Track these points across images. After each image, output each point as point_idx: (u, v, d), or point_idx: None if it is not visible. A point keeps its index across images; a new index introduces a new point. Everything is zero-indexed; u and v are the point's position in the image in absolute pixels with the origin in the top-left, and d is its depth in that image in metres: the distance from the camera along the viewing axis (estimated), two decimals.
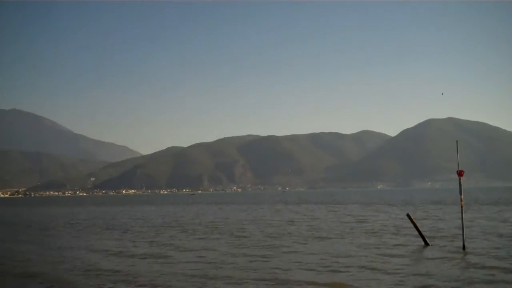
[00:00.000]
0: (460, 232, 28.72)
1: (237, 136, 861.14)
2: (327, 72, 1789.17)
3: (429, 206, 71.18)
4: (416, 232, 25.91)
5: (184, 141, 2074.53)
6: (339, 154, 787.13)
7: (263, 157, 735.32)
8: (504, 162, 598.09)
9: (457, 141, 22.20)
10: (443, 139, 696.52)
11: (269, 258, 21.67)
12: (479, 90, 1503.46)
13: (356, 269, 18.29)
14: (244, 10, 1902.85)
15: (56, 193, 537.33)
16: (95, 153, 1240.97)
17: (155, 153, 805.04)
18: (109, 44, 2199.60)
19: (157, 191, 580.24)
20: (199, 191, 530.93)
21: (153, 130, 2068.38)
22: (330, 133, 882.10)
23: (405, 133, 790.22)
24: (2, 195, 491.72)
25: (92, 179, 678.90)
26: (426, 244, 24.61)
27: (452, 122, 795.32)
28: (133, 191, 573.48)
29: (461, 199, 22.35)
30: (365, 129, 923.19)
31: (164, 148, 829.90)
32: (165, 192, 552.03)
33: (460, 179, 21.93)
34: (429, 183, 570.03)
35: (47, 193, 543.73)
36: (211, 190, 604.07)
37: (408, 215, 26.32)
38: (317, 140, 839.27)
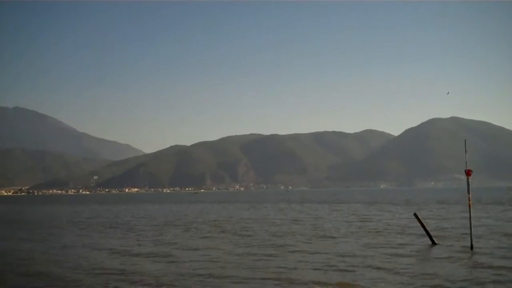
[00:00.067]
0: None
1: (240, 135, 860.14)
2: (330, 72, 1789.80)
3: (433, 205, 70.95)
4: (422, 232, 25.72)
5: (187, 139, 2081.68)
6: (342, 153, 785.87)
7: (266, 156, 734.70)
8: (508, 162, 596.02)
9: (465, 141, 21.97)
10: (447, 139, 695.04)
11: (275, 257, 21.52)
12: (482, 90, 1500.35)
13: (363, 269, 18.11)
14: (246, 9, 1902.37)
15: (59, 192, 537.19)
16: (98, 151, 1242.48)
17: (158, 151, 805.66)
18: (113, 42, 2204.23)
19: (160, 189, 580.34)
20: (202, 190, 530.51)
21: (156, 128, 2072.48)
22: (333, 132, 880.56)
23: (409, 133, 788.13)
24: (5, 193, 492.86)
25: (95, 177, 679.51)
26: (434, 243, 24.41)
27: (455, 121, 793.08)
28: (136, 189, 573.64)
29: (469, 198, 22.13)
30: (368, 128, 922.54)
31: (167, 146, 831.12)
32: (168, 191, 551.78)
33: (468, 179, 21.73)
34: (432, 183, 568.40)
35: (50, 191, 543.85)
36: (214, 189, 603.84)
37: (415, 215, 26.13)
38: (320, 139, 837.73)
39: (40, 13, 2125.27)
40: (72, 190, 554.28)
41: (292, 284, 16.01)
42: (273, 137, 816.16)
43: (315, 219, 46.23)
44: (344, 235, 30.02)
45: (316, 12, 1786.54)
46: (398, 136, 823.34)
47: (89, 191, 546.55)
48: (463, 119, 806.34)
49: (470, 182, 21.89)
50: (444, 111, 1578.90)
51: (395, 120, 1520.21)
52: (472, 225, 22.66)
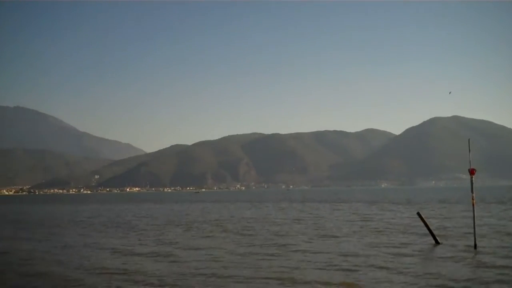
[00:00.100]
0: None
1: (241, 134, 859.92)
2: (332, 71, 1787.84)
3: (435, 204, 70.86)
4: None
5: (188, 139, 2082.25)
6: (343, 152, 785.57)
7: (267, 155, 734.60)
8: (510, 161, 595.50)
9: (469, 140, 21.90)
10: (448, 138, 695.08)
11: (277, 257, 21.42)
12: (484, 89, 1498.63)
13: (366, 269, 18.00)
14: (247, 9, 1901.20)
15: (60, 191, 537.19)
16: (99, 150, 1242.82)
17: (159, 151, 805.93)
18: (113, 42, 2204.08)
19: (161, 189, 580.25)
20: (203, 189, 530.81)
21: (157, 128, 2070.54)
22: (334, 131, 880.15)
23: (410, 132, 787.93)
24: (6, 193, 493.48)
25: (96, 176, 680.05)
26: (437, 242, 24.30)
27: (457, 120, 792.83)
28: (137, 189, 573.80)
29: (472, 197, 22.02)
30: (369, 127, 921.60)
31: (168, 146, 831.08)
32: (169, 190, 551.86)
33: (472, 178, 21.62)
34: (433, 182, 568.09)
35: (51, 190, 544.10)
36: (215, 188, 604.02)
37: (418, 214, 26.02)
38: (322, 138, 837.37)
39: (40, 13, 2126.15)
40: (73, 190, 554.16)
41: (295, 283, 15.91)
42: (274, 136, 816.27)
43: (316, 218, 46.14)
44: (346, 235, 29.92)
45: (317, 11, 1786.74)
46: (399, 135, 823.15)
47: (90, 191, 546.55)
48: (464, 118, 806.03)
49: (470, 182, 21.78)
50: (445, 110, 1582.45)
51: (396, 119, 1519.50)
52: (475, 224, 22.56)
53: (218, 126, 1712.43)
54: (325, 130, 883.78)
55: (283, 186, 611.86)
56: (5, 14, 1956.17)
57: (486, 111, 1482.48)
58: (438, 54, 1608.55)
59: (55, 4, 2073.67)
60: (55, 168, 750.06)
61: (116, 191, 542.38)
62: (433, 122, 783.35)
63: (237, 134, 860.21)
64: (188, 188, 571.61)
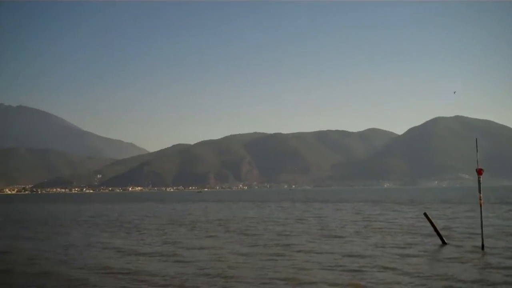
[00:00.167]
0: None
1: (243, 134, 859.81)
2: (334, 70, 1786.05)
3: (438, 205, 70.62)
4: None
5: (191, 138, 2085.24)
6: (345, 152, 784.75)
7: (269, 154, 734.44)
8: None
9: (476, 139, 21.65)
10: (451, 138, 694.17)
11: (282, 257, 21.22)
12: (487, 88, 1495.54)
13: (374, 270, 17.78)
14: (248, 8, 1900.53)
15: (63, 190, 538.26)
16: (102, 150, 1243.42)
17: (161, 150, 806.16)
18: (116, 41, 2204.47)
19: (164, 188, 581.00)
20: (206, 189, 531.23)
21: (160, 127, 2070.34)
22: (336, 131, 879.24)
23: (412, 131, 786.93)
24: (9, 192, 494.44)
25: (99, 176, 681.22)
26: (444, 243, 24.08)
27: (459, 120, 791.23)
28: (139, 188, 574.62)
29: (480, 197, 21.79)
30: (372, 127, 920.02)
31: (170, 145, 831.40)
32: (172, 190, 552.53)
33: (479, 177, 21.38)
34: (436, 182, 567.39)
35: (54, 190, 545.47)
36: (217, 187, 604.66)
37: (425, 214, 25.78)
38: (324, 138, 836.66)
39: (41, 13, 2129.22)
40: (76, 189, 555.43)
41: (302, 284, 15.73)
42: (277, 136, 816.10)
43: (320, 218, 45.98)
44: (351, 235, 29.72)
45: (319, 10, 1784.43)
46: (401, 135, 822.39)
47: (93, 190, 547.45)
48: (467, 118, 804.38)
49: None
50: (448, 110, 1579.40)
51: (398, 119, 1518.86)
52: (482, 224, 22.33)
53: (221, 126, 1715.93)
54: (328, 130, 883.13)
55: (285, 186, 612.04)
56: (6, 14, 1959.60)
57: (489, 111, 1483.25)
58: (441, 54, 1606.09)
59: (54, 4, 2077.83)
60: (57, 167, 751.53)
61: (118, 190, 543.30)
62: (435, 122, 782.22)
63: (239, 134, 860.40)
64: (190, 188, 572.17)
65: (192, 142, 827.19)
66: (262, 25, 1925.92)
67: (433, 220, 25.32)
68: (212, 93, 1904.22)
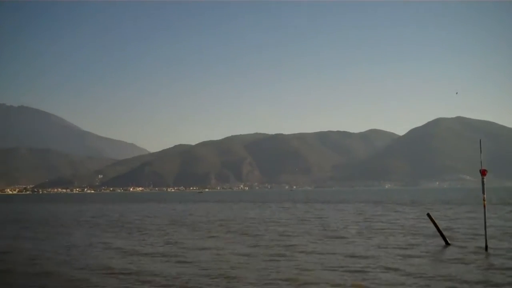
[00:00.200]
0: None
1: (244, 134, 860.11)
2: (335, 70, 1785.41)
3: (440, 206, 70.49)
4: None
5: (192, 139, 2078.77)
6: (346, 153, 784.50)
7: (270, 155, 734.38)
8: None
9: (480, 140, 21.53)
10: (452, 139, 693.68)
11: (285, 258, 21.11)
12: (488, 89, 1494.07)
13: (376, 270, 17.66)
14: (249, 8, 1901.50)
15: (64, 190, 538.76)
16: (103, 150, 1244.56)
17: (162, 150, 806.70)
18: (118, 41, 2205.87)
19: (165, 189, 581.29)
20: (206, 189, 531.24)
21: (161, 128, 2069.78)
22: (338, 131, 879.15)
23: (414, 132, 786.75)
24: (10, 192, 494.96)
25: (100, 176, 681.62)
26: (447, 243, 23.95)
27: (461, 121, 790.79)
28: (140, 188, 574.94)
29: (483, 198, 21.67)
30: (373, 128, 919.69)
31: (171, 146, 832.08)
32: (173, 190, 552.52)
33: (483, 178, 21.26)
34: (437, 183, 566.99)
35: (55, 190, 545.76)
36: (218, 188, 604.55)
37: (428, 215, 25.66)
38: (325, 138, 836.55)
39: (42, 13, 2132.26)
40: (77, 189, 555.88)
41: (304, 285, 15.62)
42: (278, 137, 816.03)
43: (321, 219, 45.87)
44: (353, 235, 29.61)
45: (319, 10, 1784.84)
46: (403, 135, 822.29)
47: (94, 190, 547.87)
48: (468, 118, 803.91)
49: (481, 182, 21.43)
50: (449, 111, 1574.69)
51: (400, 119, 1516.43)
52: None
53: (222, 126, 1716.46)
54: (329, 131, 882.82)
55: (286, 187, 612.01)
56: (6, 14, 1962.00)
57: (490, 112, 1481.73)
58: (442, 54, 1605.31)
59: (56, 4, 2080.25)
60: (58, 167, 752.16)
61: (119, 190, 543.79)
62: (437, 122, 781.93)
63: (241, 134, 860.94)
64: (191, 188, 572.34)
65: (193, 143, 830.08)
66: (263, 25, 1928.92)
67: (435, 221, 25.19)
68: (213, 94, 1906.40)
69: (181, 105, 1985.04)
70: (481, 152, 21.61)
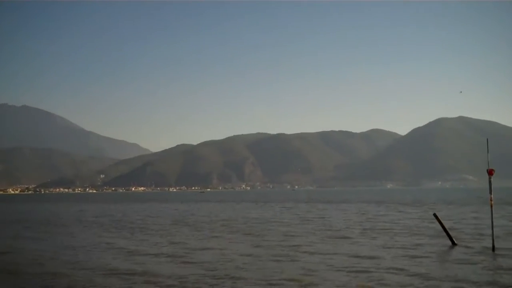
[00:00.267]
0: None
1: (246, 134, 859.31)
2: (337, 70, 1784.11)
3: (442, 206, 70.26)
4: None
5: (194, 138, 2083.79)
6: (348, 152, 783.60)
7: (272, 155, 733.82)
8: None
9: (487, 139, 21.38)
10: (454, 139, 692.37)
11: (289, 258, 20.96)
12: (490, 89, 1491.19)
13: (382, 271, 17.49)
14: (250, 8, 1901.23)
15: (66, 190, 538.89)
16: (105, 150, 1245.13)
17: (164, 150, 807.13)
18: (119, 40, 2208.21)
19: (167, 188, 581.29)
20: (208, 189, 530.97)
21: (163, 127, 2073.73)
22: (340, 131, 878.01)
23: (416, 132, 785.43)
24: (12, 192, 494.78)
25: (102, 176, 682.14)
26: (454, 244, 23.77)
27: (463, 121, 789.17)
28: (142, 188, 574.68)
29: (490, 198, 21.46)
30: (375, 127, 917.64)
31: (173, 145, 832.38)
32: (175, 190, 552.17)
33: (490, 178, 21.06)
34: (439, 183, 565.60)
35: (57, 190, 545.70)
36: (220, 188, 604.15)
37: (435, 215, 25.46)
38: (327, 138, 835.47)
39: (42, 13, 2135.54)
40: (79, 189, 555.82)
41: (309, 285, 15.48)
42: (280, 136, 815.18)
43: (324, 219, 45.72)
44: (357, 236, 29.45)
45: (324, 10, 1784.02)
46: (405, 135, 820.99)
47: (96, 190, 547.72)
48: (470, 118, 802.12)
49: (489, 182, 21.23)
50: (451, 111, 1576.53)
51: (402, 119, 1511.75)
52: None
53: (224, 126, 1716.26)
54: (331, 130, 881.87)
55: (288, 187, 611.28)
56: (5, 14, 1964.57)
57: (492, 111, 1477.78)
58: (444, 54, 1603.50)
59: (56, 4, 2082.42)
60: (61, 167, 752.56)
61: (121, 190, 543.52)
62: (439, 122, 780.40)
63: (243, 134, 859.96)
64: (193, 188, 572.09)
65: (195, 143, 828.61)
66: (264, 25, 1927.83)
67: (441, 221, 25.00)
68: (215, 94, 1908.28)
69: (183, 105, 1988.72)
70: (488, 152, 21.42)
